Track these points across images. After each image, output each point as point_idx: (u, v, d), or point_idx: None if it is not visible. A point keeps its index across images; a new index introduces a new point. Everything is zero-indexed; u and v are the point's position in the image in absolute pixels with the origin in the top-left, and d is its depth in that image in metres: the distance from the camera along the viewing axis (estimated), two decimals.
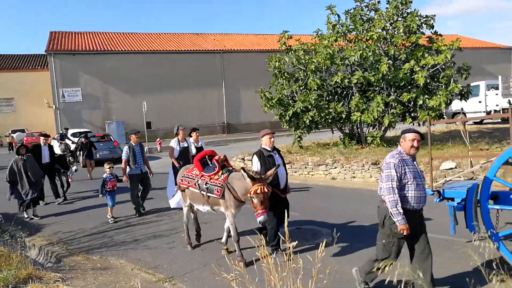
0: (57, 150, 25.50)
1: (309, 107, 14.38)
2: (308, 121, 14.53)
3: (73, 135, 26.52)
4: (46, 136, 12.79)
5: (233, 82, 39.73)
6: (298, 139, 15.58)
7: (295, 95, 15.32)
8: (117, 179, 9.67)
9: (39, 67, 45.03)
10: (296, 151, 15.48)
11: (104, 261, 6.93)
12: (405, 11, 14.93)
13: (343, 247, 6.75)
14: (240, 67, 39.52)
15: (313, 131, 16.19)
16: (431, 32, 15.30)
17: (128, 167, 9.91)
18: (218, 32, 47.56)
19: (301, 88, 15.32)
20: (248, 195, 5.76)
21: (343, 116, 14.65)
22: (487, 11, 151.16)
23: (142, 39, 41.18)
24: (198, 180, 6.73)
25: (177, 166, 9.59)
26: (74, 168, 13.19)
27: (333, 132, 17.40)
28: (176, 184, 9.13)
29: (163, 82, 37.18)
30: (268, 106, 15.24)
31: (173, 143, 10.18)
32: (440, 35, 15.04)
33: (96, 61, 35.79)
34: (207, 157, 7.05)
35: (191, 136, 10.58)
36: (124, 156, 9.93)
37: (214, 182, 6.46)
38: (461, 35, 53.00)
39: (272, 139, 6.52)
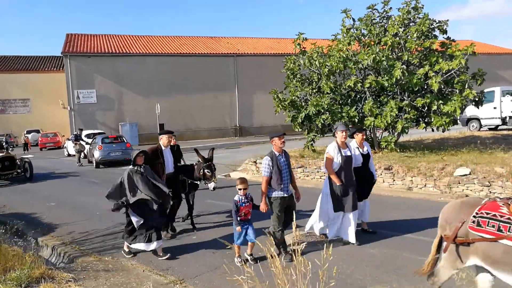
0: (72, 151, 26.00)
1: (322, 110, 14.33)
2: (320, 124, 14.48)
3: (87, 136, 26.80)
4: (170, 133, 8.63)
5: (246, 85, 39.81)
6: (311, 142, 15.53)
7: (308, 97, 15.29)
8: (253, 204, 6.60)
9: (55, 69, 45.64)
10: (309, 155, 15.44)
11: (116, 262, 6.97)
12: (416, 17, 14.87)
13: (353, 251, 6.73)
14: (253, 71, 39.61)
15: (327, 134, 16.14)
16: (443, 37, 15.20)
17: (268, 187, 6.60)
18: (232, 35, 47.72)
19: (314, 91, 15.30)
20: None
21: (356, 120, 14.58)
22: (502, 16, 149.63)
23: (156, 42, 41.48)
24: None
25: (338, 184, 6.92)
26: (212, 185, 8.30)
27: None
28: (337, 210, 6.97)
29: (176, 85, 37.39)
30: (281, 107, 15.22)
31: (332, 150, 7.07)
32: (454, 40, 14.92)
33: (110, 63, 36.13)
34: None
35: (353, 138, 7.70)
36: (265, 172, 6.50)
37: None
38: (476, 40, 52.51)
39: None
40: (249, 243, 6.51)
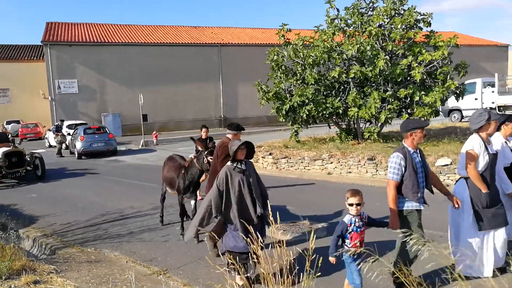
0: (53, 142, 25.66)
1: (306, 101, 14.35)
2: (305, 115, 14.52)
3: (69, 127, 26.47)
4: (239, 130, 6.91)
5: (230, 75, 39.62)
6: (295, 133, 15.56)
7: (293, 89, 15.29)
8: (373, 221, 4.71)
9: (35, 58, 44.76)
10: (293, 145, 15.47)
11: (99, 253, 6.92)
12: (401, 8, 14.96)
13: None
14: (237, 61, 39.42)
15: (311, 126, 16.20)
16: (427, 30, 15.32)
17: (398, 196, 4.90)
18: (215, 25, 47.33)
19: (299, 82, 15.30)
20: None
21: (340, 111, 14.66)
22: (484, 8, 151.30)
23: (139, 31, 40.98)
24: None
25: (484, 192, 5.07)
26: None
27: (330, 127, 17.41)
28: (484, 228, 5.08)
29: (160, 75, 37.04)
30: (265, 99, 15.20)
31: (478, 145, 5.14)
32: (437, 32, 15.07)
33: (92, 52, 35.60)
34: None
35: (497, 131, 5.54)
36: (394, 175, 4.82)
37: None
38: (458, 32, 52.97)
39: None
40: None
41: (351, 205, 4.41)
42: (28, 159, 15.14)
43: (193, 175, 7.26)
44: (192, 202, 7.56)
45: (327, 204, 9.51)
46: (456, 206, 5.00)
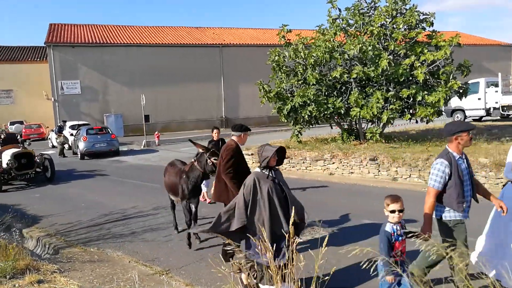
0: (55, 143, 25.73)
1: (308, 102, 14.35)
2: (306, 116, 14.52)
3: (72, 127, 26.56)
4: (243, 130, 6.58)
5: (232, 76, 39.64)
6: (297, 134, 15.55)
7: (294, 89, 15.29)
8: (408, 235, 4.17)
9: (38, 59, 44.87)
10: (294, 146, 15.47)
11: (102, 253, 6.95)
12: (403, 8, 14.94)
13: (341, 243, 6.75)
14: (239, 61, 39.44)
15: (313, 126, 16.19)
16: (429, 30, 15.30)
17: (438, 205, 4.46)
18: (217, 26, 47.42)
19: (300, 82, 15.30)
20: None
21: (342, 111, 14.64)
22: (487, 7, 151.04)
23: (142, 32, 41.06)
24: None
25: None
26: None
27: (332, 128, 17.40)
28: None
29: (162, 76, 37.09)
30: (266, 98, 15.19)
31: None
32: (438, 32, 15.04)
33: (95, 53, 35.69)
34: None
35: None
36: (436, 182, 4.36)
37: None
38: (461, 31, 52.84)
39: None
40: None
41: (392, 212, 4.04)
42: (38, 160, 14.81)
43: (196, 179, 7.06)
44: (193, 206, 7.32)
45: (331, 205, 9.53)
46: (500, 210, 4.40)
